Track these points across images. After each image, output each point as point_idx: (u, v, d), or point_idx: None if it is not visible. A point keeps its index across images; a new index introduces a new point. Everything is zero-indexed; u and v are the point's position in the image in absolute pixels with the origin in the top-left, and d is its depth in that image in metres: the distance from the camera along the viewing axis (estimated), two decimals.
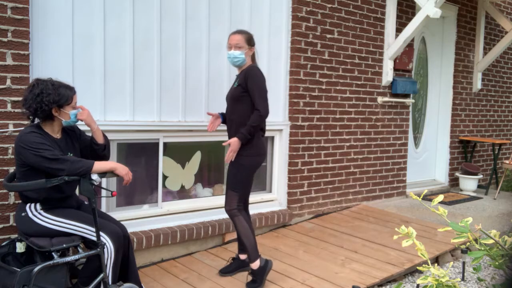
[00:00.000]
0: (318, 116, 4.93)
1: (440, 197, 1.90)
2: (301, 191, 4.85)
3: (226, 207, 3.37)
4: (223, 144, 3.36)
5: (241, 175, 3.34)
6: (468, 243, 1.84)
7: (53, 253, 2.61)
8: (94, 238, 2.69)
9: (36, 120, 2.74)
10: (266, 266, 3.38)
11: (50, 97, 2.62)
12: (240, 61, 3.35)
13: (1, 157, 3.13)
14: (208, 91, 4.19)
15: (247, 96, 3.31)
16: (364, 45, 5.29)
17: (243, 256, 3.59)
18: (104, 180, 3.58)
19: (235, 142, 3.24)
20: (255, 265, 3.34)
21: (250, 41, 3.39)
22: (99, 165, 2.64)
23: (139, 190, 3.96)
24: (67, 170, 2.55)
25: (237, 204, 3.34)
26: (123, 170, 2.72)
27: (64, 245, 2.65)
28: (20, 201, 2.77)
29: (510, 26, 6.46)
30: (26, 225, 2.67)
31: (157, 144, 3.98)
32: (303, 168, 4.84)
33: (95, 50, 3.56)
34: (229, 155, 3.26)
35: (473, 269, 2.30)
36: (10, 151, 3.15)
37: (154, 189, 4.02)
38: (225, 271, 3.56)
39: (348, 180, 5.29)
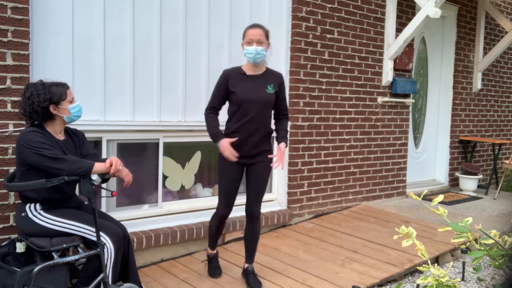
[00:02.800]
0: (318, 116, 4.93)
1: (440, 197, 1.89)
2: (301, 191, 4.85)
3: (258, 211, 3.39)
4: (276, 159, 3.31)
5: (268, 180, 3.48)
6: (468, 243, 1.84)
7: (53, 253, 2.61)
8: (94, 238, 2.69)
9: (36, 122, 2.74)
10: None
11: (41, 97, 2.62)
12: (262, 58, 3.24)
13: (1, 157, 3.13)
14: (208, 91, 4.18)
15: (274, 102, 3.36)
16: (364, 45, 5.29)
17: (215, 251, 3.59)
18: None
19: (284, 148, 3.34)
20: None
21: (268, 35, 3.29)
22: (99, 166, 2.64)
23: (139, 190, 3.96)
24: (67, 170, 2.55)
25: None
26: (123, 171, 2.73)
27: (64, 245, 2.65)
28: (20, 201, 2.77)
29: (510, 26, 6.46)
30: (26, 225, 2.67)
31: (157, 144, 3.98)
32: (303, 168, 4.84)
33: (95, 50, 3.56)
34: (281, 161, 3.32)
35: (473, 269, 2.30)
36: (10, 151, 3.15)
37: (154, 189, 4.02)
38: (217, 273, 3.57)
39: (348, 180, 5.29)
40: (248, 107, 3.22)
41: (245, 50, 3.21)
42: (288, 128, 4.67)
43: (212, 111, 3.32)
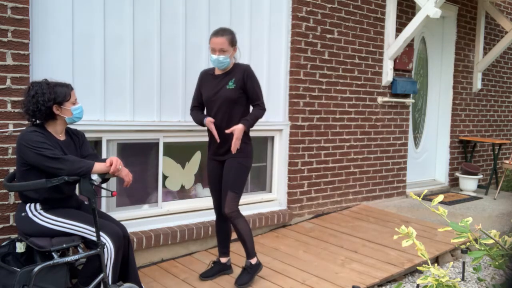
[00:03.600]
0: (318, 116, 4.93)
1: (440, 197, 1.89)
2: (301, 191, 4.85)
3: (227, 210, 3.31)
4: (227, 131, 3.21)
5: (244, 177, 3.39)
6: (468, 243, 1.84)
7: (53, 253, 2.61)
8: (94, 238, 2.69)
9: (38, 122, 2.74)
10: (259, 266, 3.49)
11: (45, 96, 2.62)
12: (226, 65, 3.33)
13: (1, 157, 3.13)
14: None
15: (244, 96, 3.34)
16: (364, 45, 5.29)
17: (224, 260, 3.60)
18: None
19: (241, 129, 3.21)
20: (254, 260, 3.45)
21: (232, 41, 3.31)
22: (99, 166, 2.64)
23: (139, 190, 3.95)
24: (67, 170, 2.55)
25: (238, 205, 3.37)
26: (123, 171, 2.73)
27: (64, 245, 2.65)
28: (20, 201, 2.77)
29: (510, 26, 6.46)
30: (26, 225, 2.67)
31: (157, 144, 3.98)
32: (303, 168, 4.84)
33: (95, 50, 3.56)
34: (236, 143, 3.20)
35: (473, 269, 2.31)
36: (10, 151, 3.15)
37: (154, 189, 4.02)
38: (206, 275, 3.52)
39: (348, 180, 5.29)
40: (211, 106, 3.39)
41: (210, 57, 3.34)
42: (286, 130, 4.70)
43: (193, 109, 3.56)
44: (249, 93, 3.34)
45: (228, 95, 3.31)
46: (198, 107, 3.54)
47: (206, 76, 3.48)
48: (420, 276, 2.71)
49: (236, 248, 3.98)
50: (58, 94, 2.67)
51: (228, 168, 3.34)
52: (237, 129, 3.22)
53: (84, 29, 3.50)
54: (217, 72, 3.42)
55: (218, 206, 3.52)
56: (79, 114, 2.78)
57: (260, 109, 3.37)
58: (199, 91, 3.51)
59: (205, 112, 3.51)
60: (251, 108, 3.46)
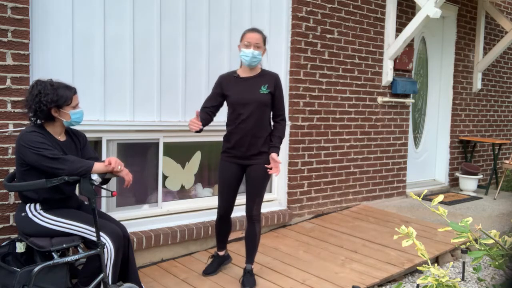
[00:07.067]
0: (318, 116, 4.93)
1: (440, 197, 1.89)
2: (301, 191, 4.85)
3: (255, 212, 3.37)
4: (271, 158, 3.31)
5: (268, 182, 3.46)
6: (468, 243, 1.84)
7: (53, 253, 2.61)
8: (94, 238, 2.69)
9: (38, 121, 2.74)
10: None
11: (48, 97, 2.61)
12: (258, 61, 3.32)
13: (1, 157, 3.13)
14: (208, 91, 4.17)
15: (271, 103, 3.36)
16: (364, 45, 5.29)
17: (221, 253, 3.65)
18: None
19: (277, 156, 3.33)
20: (253, 265, 3.49)
21: (265, 41, 3.37)
22: (98, 166, 2.64)
23: (139, 190, 3.95)
24: (67, 170, 2.55)
25: None
26: (123, 171, 2.73)
27: (64, 245, 2.65)
28: (20, 201, 2.77)
29: (510, 26, 6.46)
30: (26, 225, 2.67)
31: (157, 144, 3.98)
32: (303, 168, 4.84)
33: (95, 50, 3.56)
34: (279, 168, 3.34)
35: (473, 269, 2.30)
36: (10, 151, 3.15)
37: (154, 189, 4.02)
38: (208, 272, 3.57)
39: (348, 180, 5.29)
40: (241, 109, 3.30)
41: (242, 52, 3.28)
42: (286, 130, 4.71)
43: (203, 110, 3.38)
44: (276, 102, 3.36)
45: (262, 99, 3.30)
46: (207, 108, 3.38)
47: (231, 79, 3.37)
48: (420, 276, 2.71)
49: (236, 248, 3.99)
50: (59, 96, 2.65)
51: (257, 173, 3.34)
52: (275, 158, 3.31)
53: (84, 29, 3.50)
54: (243, 74, 3.36)
55: (226, 208, 3.48)
56: (78, 118, 2.76)
57: (283, 126, 3.42)
58: (218, 95, 3.38)
59: (214, 114, 3.45)
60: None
